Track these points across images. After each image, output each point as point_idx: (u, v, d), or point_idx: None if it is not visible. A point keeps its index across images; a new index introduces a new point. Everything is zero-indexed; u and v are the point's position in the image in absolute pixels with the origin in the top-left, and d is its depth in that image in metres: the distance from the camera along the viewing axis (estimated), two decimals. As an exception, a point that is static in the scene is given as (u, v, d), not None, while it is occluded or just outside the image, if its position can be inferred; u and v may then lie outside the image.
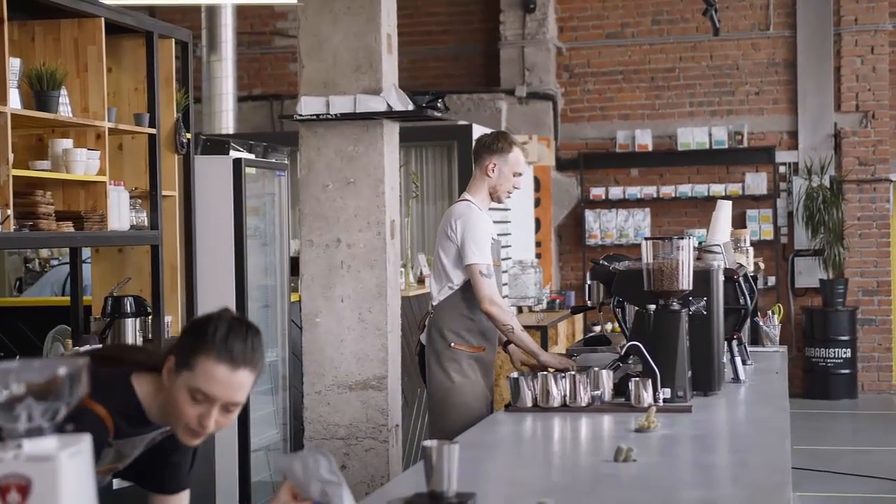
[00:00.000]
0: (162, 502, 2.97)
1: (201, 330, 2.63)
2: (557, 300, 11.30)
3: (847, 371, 12.53)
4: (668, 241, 4.51)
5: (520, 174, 5.43)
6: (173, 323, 6.00)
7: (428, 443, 2.78)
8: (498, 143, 5.40)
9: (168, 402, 2.65)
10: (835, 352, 12.48)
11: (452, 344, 5.28)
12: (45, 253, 8.40)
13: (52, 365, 1.79)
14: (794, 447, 9.12)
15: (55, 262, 9.13)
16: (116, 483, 4.65)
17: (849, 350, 12.50)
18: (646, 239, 4.54)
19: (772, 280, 12.79)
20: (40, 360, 1.83)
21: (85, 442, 1.82)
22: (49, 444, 1.79)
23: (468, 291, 5.26)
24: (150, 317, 5.70)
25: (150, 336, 5.72)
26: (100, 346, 5.12)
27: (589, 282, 5.25)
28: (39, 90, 4.94)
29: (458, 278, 5.27)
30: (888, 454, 9.95)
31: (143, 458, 2.84)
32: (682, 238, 4.50)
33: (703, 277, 4.63)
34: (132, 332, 5.53)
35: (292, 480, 2.63)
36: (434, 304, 5.41)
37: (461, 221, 5.24)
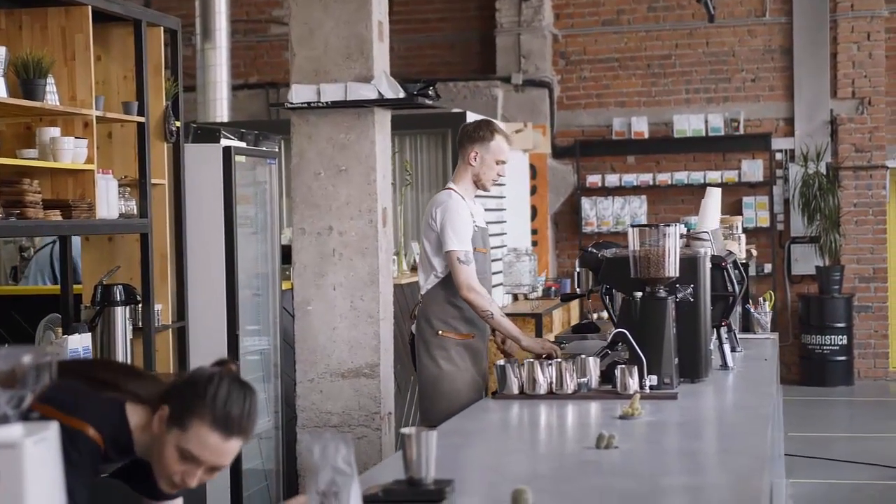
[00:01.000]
0: None
1: (200, 389, 2.63)
2: (553, 288, 11.30)
3: (843, 358, 12.53)
4: (654, 229, 4.51)
5: (503, 162, 5.42)
6: (163, 311, 6.00)
7: (406, 430, 2.79)
8: (479, 131, 5.41)
9: (155, 449, 2.66)
10: (831, 339, 12.48)
11: (440, 332, 5.30)
12: (38, 241, 8.40)
13: (17, 353, 1.80)
14: (790, 434, 9.15)
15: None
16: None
17: (845, 337, 12.50)
18: (632, 226, 4.54)
19: (768, 267, 12.79)
20: (4, 349, 1.83)
21: (51, 429, 1.82)
22: (14, 431, 1.79)
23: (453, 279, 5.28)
24: (139, 305, 5.70)
25: (139, 324, 5.72)
26: (91, 359, 5.08)
27: (578, 269, 5.25)
28: (26, 78, 4.93)
29: (441, 266, 5.29)
30: (884, 441, 9.96)
31: (134, 462, 2.84)
32: (669, 225, 4.50)
33: (689, 265, 4.63)
34: (121, 320, 5.53)
35: (305, 459, 2.65)
36: (421, 293, 5.44)
37: (441, 209, 5.27)
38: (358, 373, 6.02)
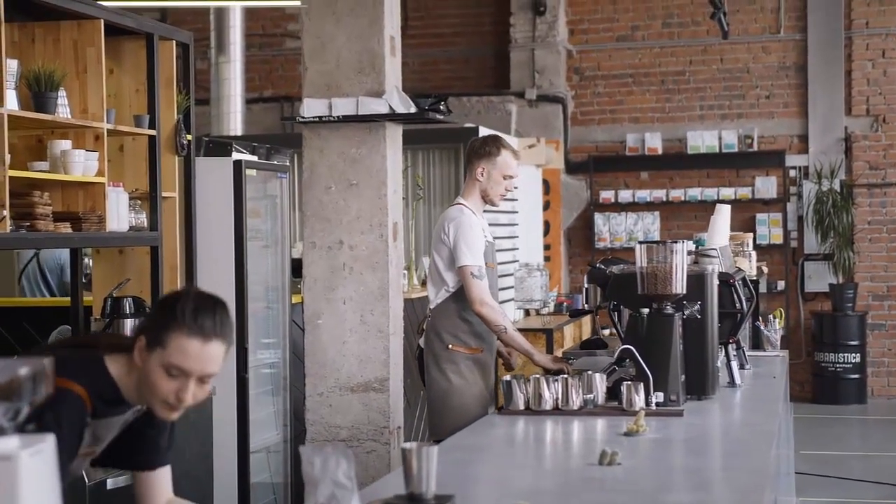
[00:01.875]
0: (145, 482, 3.02)
1: (170, 308, 2.72)
2: (566, 303, 11.29)
3: (856, 376, 12.48)
4: (662, 245, 4.50)
5: (510, 177, 5.45)
6: (173, 324, 6.01)
7: (407, 445, 2.80)
8: (486, 146, 5.44)
9: (143, 381, 2.74)
10: (844, 356, 12.44)
11: (450, 346, 5.33)
12: (24, 256, 8.46)
13: (14, 365, 1.81)
14: (802, 452, 9.13)
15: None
16: (111, 483, 4.69)
17: (858, 355, 12.46)
18: (640, 243, 4.54)
19: (781, 284, 12.76)
20: (1, 361, 1.84)
21: (47, 442, 1.83)
22: (10, 443, 1.80)
23: (464, 294, 5.29)
24: (149, 317, 5.71)
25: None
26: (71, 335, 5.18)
27: (586, 285, 5.25)
28: (37, 91, 4.96)
29: (453, 281, 5.31)
30: (894, 460, 9.91)
31: (119, 438, 2.90)
32: (676, 242, 4.49)
33: (697, 281, 4.62)
34: (130, 332, 5.55)
35: (305, 472, 2.66)
36: (431, 307, 5.47)
37: (454, 225, 5.30)
38: (367, 387, 6.02)
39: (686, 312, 4.56)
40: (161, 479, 3.03)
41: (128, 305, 5.56)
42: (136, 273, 5.84)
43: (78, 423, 2.71)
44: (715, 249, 5.23)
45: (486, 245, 5.37)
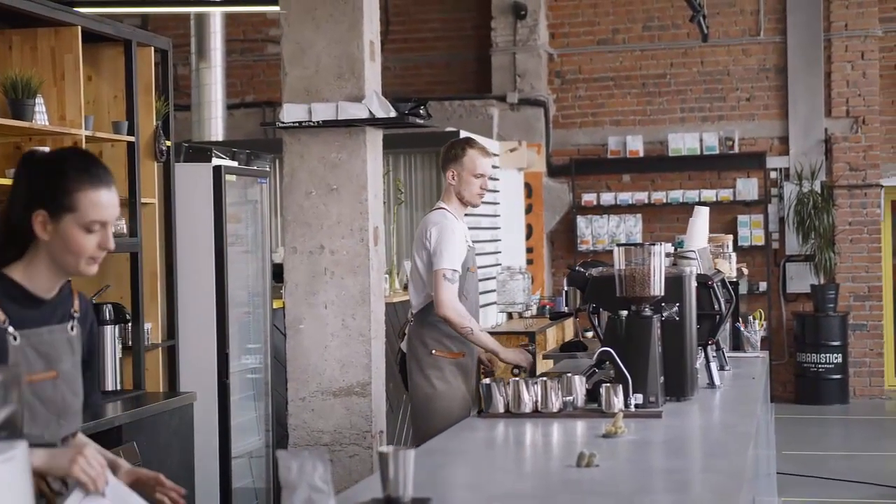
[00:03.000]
0: None
1: (58, 173, 2.74)
2: (548, 306, 11.31)
3: (838, 376, 12.53)
4: (640, 248, 4.52)
5: (481, 175, 5.49)
6: (153, 330, 6.01)
7: (383, 449, 2.81)
8: (452, 150, 5.53)
9: (58, 250, 2.74)
10: (826, 357, 12.48)
11: (434, 351, 5.35)
12: None
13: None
14: (785, 452, 9.15)
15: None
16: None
17: (840, 355, 12.51)
18: (618, 245, 4.55)
19: (763, 286, 12.81)
20: (-27, 368, 1.84)
21: (19, 449, 1.84)
22: (-20, 450, 1.80)
23: None
24: (129, 324, 5.71)
25: (129, 343, 5.73)
26: None
27: (566, 288, 5.28)
28: (15, 98, 4.96)
29: None
30: (879, 459, 9.95)
31: None
32: (654, 244, 4.51)
33: (675, 283, 4.63)
34: (111, 339, 5.54)
35: (282, 476, 2.68)
36: (414, 311, 5.48)
37: (436, 229, 5.35)
38: (349, 391, 6.03)
39: (664, 314, 4.57)
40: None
41: (108, 312, 5.55)
42: (115, 279, 5.84)
43: None
44: (693, 251, 5.25)
45: (468, 250, 5.40)
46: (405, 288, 8.33)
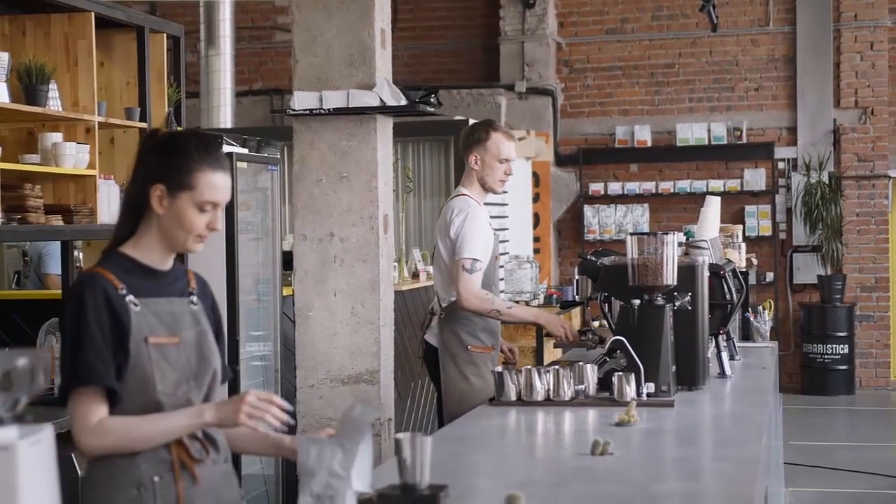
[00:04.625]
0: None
1: (180, 152, 2.86)
2: (555, 295, 11.30)
3: (845, 367, 12.54)
4: (652, 237, 4.51)
5: (506, 160, 5.35)
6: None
7: (400, 435, 2.81)
8: (475, 133, 5.37)
9: (170, 225, 2.87)
10: (833, 348, 12.49)
11: (469, 346, 5.25)
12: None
13: (11, 356, 1.82)
14: (791, 442, 9.16)
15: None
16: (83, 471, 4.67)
17: (846, 346, 12.51)
18: (631, 234, 4.55)
19: (770, 276, 12.81)
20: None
21: (45, 431, 1.85)
22: (8, 433, 1.81)
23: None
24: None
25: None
26: None
27: (577, 277, 5.26)
28: (28, 84, 4.96)
29: None
30: (885, 450, 9.97)
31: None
32: (667, 233, 4.51)
33: (688, 273, 4.63)
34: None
35: (301, 462, 2.70)
36: (444, 304, 5.33)
37: (462, 217, 5.23)
38: (358, 379, 6.03)
39: (677, 304, 4.57)
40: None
41: (119, 298, 5.55)
42: (127, 266, 5.84)
43: (101, 293, 2.81)
44: (705, 241, 5.25)
45: (494, 237, 5.33)
46: (414, 276, 8.34)
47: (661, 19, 13.27)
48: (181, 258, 3.12)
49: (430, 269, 8.60)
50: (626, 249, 4.54)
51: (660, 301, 4.50)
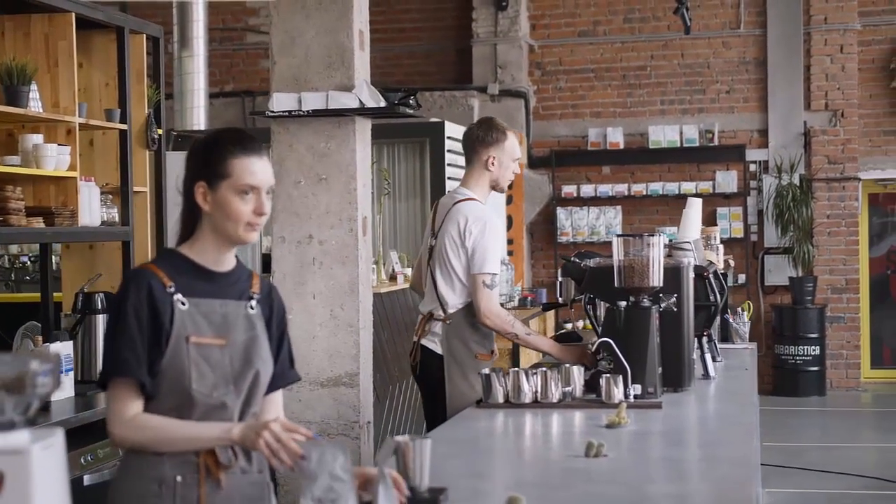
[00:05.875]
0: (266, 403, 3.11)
1: (212, 147, 2.94)
2: (529, 297, 11.33)
3: (816, 368, 12.62)
4: (638, 238, 4.52)
5: (517, 159, 5.26)
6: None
7: (400, 438, 2.80)
8: (492, 133, 5.18)
9: (219, 218, 2.91)
10: (804, 349, 12.56)
11: (477, 355, 5.11)
12: (14, 249, 8.35)
13: (24, 359, 1.79)
14: (763, 443, 9.18)
15: (25, 259, 9.08)
16: (87, 479, 4.65)
17: (817, 347, 12.59)
18: (617, 236, 4.55)
19: (742, 278, 12.87)
20: (11, 355, 1.82)
21: (57, 436, 1.82)
22: (21, 437, 1.78)
23: None
24: (120, 313, 5.66)
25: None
26: None
27: (560, 279, 5.25)
28: (9, 85, 4.91)
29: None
30: (856, 450, 10.03)
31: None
32: (653, 235, 4.52)
33: (673, 274, 4.64)
34: (103, 328, 5.50)
35: (301, 466, 2.68)
36: (450, 310, 5.13)
37: (478, 227, 5.04)
38: (337, 382, 6.02)
39: (662, 305, 4.58)
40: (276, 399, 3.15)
41: (100, 301, 5.50)
42: (106, 268, 5.80)
43: (145, 288, 2.86)
44: (689, 242, 5.27)
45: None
46: (392, 278, 8.32)
47: (632, 22, 13.32)
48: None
49: (408, 271, 8.60)
50: (613, 251, 4.54)
51: (646, 303, 4.51)
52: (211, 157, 2.93)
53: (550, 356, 5.09)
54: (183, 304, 2.89)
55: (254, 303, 3.01)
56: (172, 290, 2.88)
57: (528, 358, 9.20)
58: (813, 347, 12.56)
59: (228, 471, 2.90)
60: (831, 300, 12.91)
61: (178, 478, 2.86)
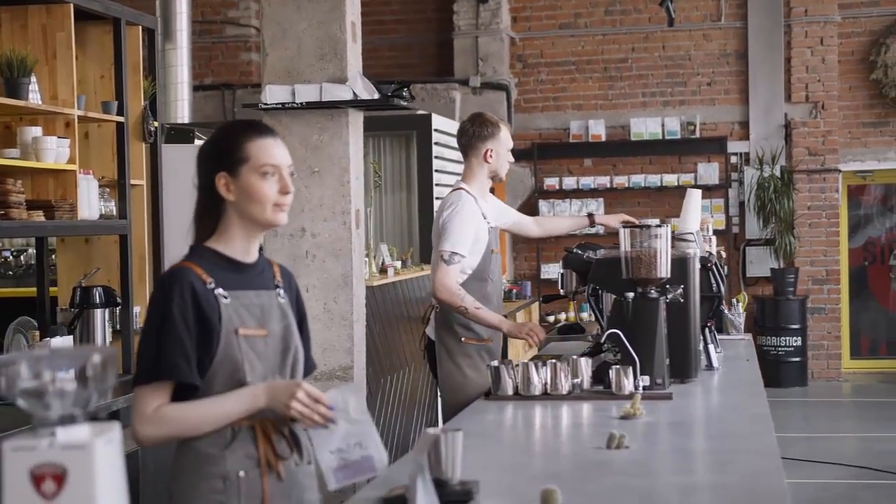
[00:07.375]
0: None
1: (226, 136, 2.95)
2: (514, 290, 11.33)
3: (797, 359, 12.68)
4: (645, 230, 4.51)
5: (511, 147, 5.50)
6: (142, 313, 5.93)
7: (432, 430, 2.78)
8: (487, 127, 5.38)
9: (245, 204, 2.90)
10: (785, 340, 12.62)
11: (463, 339, 5.25)
12: (18, 242, 8.29)
13: (86, 353, 1.77)
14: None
15: (7, 254, 8.99)
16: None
17: (799, 338, 12.65)
18: (624, 226, 4.54)
19: (724, 269, 12.89)
20: (72, 348, 1.80)
21: (116, 430, 1.80)
22: (83, 431, 1.76)
23: (474, 283, 5.21)
24: (119, 307, 5.63)
25: (118, 327, 5.65)
26: None
27: (562, 270, 5.24)
28: (9, 77, 4.86)
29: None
30: (838, 440, 10.09)
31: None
32: (661, 226, 4.51)
33: (680, 265, 4.64)
34: (101, 322, 5.46)
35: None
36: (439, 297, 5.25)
37: (450, 210, 5.23)
38: (331, 375, 6.00)
39: (669, 296, 4.58)
40: None
41: (98, 295, 5.46)
42: (103, 262, 5.75)
43: (188, 287, 2.83)
44: (691, 233, 5.27)
45: (489, 230, 5.34)
46: (382, 271, 8.30)
47: (613, 14, 13.32)
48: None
49: (398, 264, 8.58)
50: (620, 242, 4.53)
51: (654, 294, 4.50)
52: (227, 145, 2.92)
53: (500, 330, 5.26)
54: (225, 297, 2.87)
55: (282, 291, 3.01)
56: (212, 285, 2.86)
57: (515, 351, 9.20)
58: (795, 338, 12.62)
59: (286, 462, 2.89)
60: (812, 291, 12.98)
61: (241, 473, 2.84)
